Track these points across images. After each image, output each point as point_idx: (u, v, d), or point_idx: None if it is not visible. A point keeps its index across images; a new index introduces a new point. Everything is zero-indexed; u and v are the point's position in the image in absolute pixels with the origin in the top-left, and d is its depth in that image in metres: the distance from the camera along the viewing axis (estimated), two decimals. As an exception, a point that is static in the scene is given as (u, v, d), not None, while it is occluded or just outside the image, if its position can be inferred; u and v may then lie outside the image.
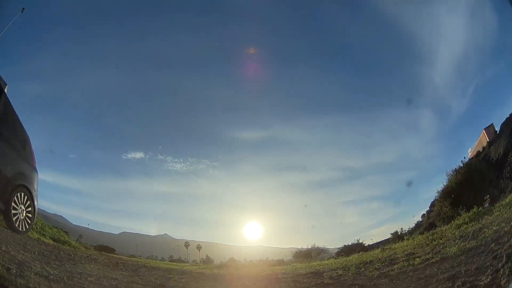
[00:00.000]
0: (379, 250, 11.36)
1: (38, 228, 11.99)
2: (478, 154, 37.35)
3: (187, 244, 62.98)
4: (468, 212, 11.32)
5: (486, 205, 26.06)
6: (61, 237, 13.23)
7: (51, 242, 11.17)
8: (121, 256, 26.93)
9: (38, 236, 10.58)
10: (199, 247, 64.15)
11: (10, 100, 8.63)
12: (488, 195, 28.52)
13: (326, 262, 13.81)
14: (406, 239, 12.09)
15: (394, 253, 8.27)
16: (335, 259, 16.93)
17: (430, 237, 8.87)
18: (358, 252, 24.76)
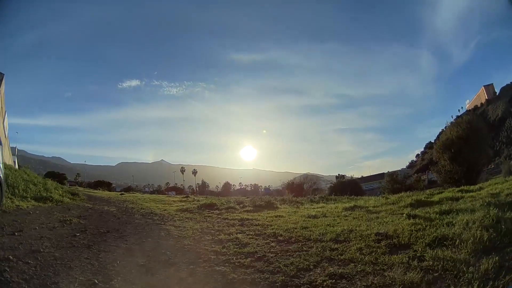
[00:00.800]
0: (374, 218, 10.06)
1: (21, 190, 11.85)
2: (476, 108, 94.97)
3: (183, 169, 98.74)
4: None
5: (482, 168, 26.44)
6: (43, 194, 12.91)
7: (31, 204, 10.85)
8: (110, 195, 26.97)
9: (18, 203, 10.27)
10: (194, 172, 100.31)
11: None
12: (484, 160, 28.62)
13: (315, 211, 13.24)
14: (409, 212, 10.00)
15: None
16: (324, 205, 16.45)
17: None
18: (350, 195, 24.88)
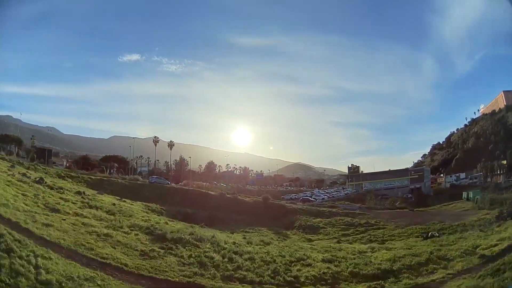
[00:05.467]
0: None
1: None
2: (493, 113, 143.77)
3: (156, 140, 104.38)
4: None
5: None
6: None
7: None
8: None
9: None
10: (171, 145, 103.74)
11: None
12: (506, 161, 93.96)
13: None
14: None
15: None
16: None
17: None
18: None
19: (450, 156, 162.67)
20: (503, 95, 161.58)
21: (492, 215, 28.26)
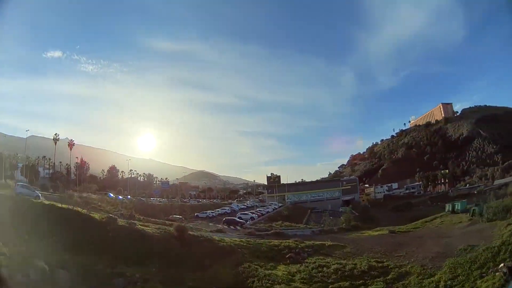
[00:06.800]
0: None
1: None
2: (429, 124, 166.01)
3: (56, 138, 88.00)
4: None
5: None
6: None
7: None
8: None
9: None
10: (71, 143, 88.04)
11: None
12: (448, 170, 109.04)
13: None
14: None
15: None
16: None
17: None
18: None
19: (374, 166, 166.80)
20: (441, 107, 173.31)
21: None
